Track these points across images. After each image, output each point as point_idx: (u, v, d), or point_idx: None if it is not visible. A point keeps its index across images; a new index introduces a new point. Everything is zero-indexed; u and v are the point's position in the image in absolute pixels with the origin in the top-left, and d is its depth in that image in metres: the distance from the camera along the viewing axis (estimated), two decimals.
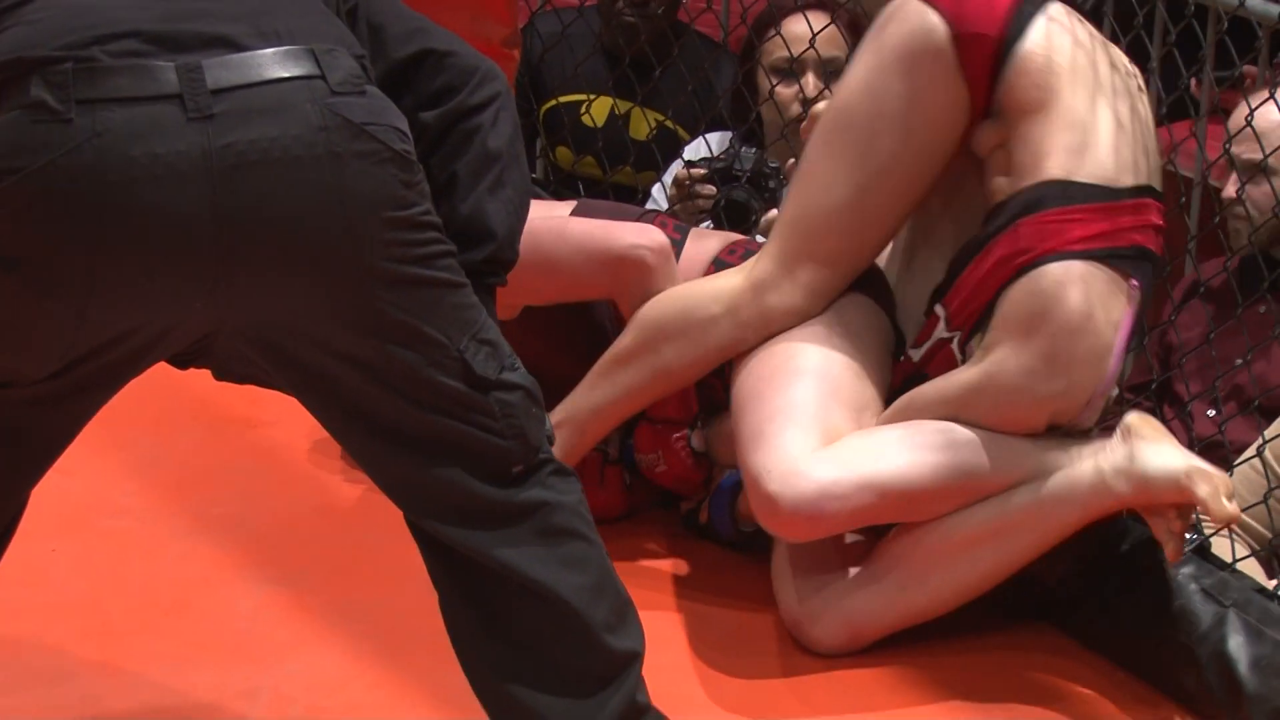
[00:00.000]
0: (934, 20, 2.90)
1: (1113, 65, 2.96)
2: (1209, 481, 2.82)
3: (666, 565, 3.26)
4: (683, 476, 3.24)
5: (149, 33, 2.18)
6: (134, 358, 2.31)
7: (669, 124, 4.17)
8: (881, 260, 3.14)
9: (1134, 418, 2.93)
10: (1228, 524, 2.86)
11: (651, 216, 3.31)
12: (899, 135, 2.94)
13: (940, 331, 2.97)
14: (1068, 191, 2.86)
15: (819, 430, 2.91)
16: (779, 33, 3.75)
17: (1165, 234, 3.07)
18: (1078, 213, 2.87)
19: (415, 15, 2.49)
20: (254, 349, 2.33)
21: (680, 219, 3.55)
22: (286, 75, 2.20)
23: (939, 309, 2.96)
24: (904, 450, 2.90)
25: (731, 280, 3.05)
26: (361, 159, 2.22)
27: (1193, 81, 4.19)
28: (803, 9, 3.75)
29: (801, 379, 2.97)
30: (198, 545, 3.21)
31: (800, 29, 3.72)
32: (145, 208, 2.15)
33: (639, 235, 3.16)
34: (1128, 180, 2.90)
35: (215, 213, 2.17)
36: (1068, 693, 2.97)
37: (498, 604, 2.40)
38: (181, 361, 2.38)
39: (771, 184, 3.64)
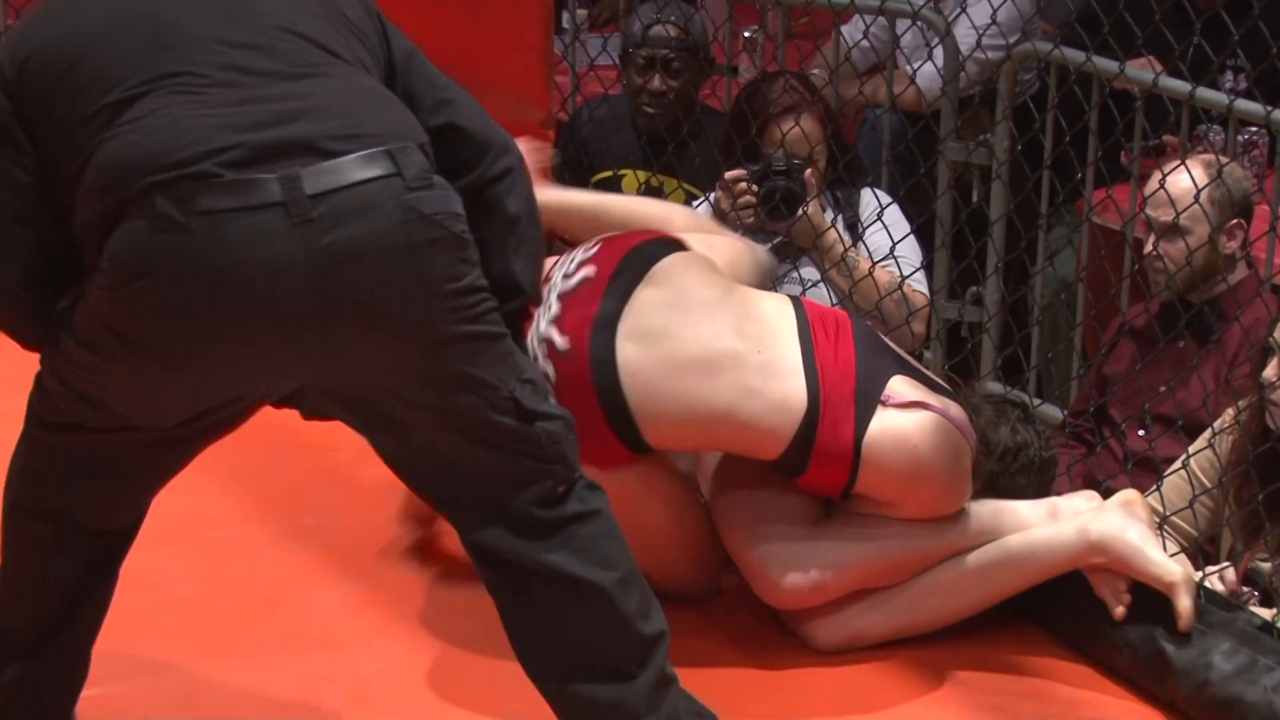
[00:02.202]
0: None
1: None
2: (1191, 594, 2.89)
3: None
4: None
5: (250, 144, 2.27)
6: (244, 412, 2.46)
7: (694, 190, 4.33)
8: None
9: (1132, 495, 3.03)
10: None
11: None
12: None
13: None
14: None
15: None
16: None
17: (1102, 281, 3.22)
18: None
19: (444, 84, 2.55)
20: (337, 401, 2.45)
21: (730, 222, 3.71)
22: (370, 177, 2.30)
23: None
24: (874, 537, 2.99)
25: None
26: (433, 245, 2.33)
27: (1122, 154, 4.43)
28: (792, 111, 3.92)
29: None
30: (287, 552, 3.29)
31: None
32: (261, 301, 2.27)
33: None
34: None
35: (317, 301, 2.28)
36: (1048, 684, 3.01)
37: (547, 604, 2.49)
38: (275, 403, 2.50)
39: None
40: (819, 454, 2.89)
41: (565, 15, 5.05)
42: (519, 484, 2.46)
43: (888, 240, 3.83)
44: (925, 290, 4.01)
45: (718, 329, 2.92)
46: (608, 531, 2.51)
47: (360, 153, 2.31)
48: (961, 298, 4.35)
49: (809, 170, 3.84)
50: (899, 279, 3.81)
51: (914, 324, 3.87)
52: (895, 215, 4.00)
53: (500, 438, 2.44)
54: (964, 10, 4.50)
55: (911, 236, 4.01)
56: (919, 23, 4.47)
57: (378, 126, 2.35)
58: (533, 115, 3.99)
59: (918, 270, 3.90)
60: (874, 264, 3.90)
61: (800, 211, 3.84)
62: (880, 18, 4.65)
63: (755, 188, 3.84)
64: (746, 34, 5.11)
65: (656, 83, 4.51)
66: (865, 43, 4.83)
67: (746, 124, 3.99)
